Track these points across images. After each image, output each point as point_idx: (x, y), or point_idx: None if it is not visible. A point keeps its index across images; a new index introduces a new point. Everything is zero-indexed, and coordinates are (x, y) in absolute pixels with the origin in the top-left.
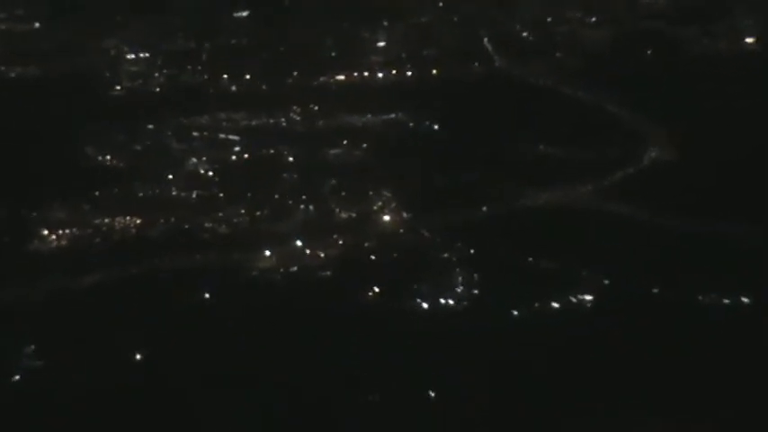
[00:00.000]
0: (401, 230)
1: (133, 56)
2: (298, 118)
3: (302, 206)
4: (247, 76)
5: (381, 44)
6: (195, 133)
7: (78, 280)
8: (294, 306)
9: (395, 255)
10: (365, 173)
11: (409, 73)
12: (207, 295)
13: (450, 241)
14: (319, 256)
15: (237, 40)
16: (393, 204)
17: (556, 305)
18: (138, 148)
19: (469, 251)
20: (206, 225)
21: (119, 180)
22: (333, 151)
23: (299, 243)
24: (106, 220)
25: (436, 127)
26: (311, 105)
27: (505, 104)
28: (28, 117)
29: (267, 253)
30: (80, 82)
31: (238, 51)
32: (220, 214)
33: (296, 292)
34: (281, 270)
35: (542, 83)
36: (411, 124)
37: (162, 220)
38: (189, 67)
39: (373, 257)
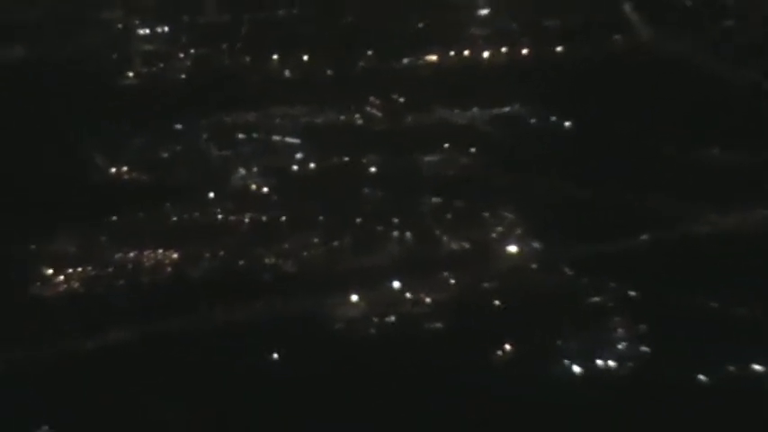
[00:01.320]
0: (532, 266)
1: (148, 31)
2: (378, 113)
3: (395, 233)
4: (305, 58)
5: (484, 12)
6: (240, 135)
7: (97, 336)
8: (393, 371)
9: (527, 299)
10: (476, 187)
11: (525, 50)
12: (274, 356)
13: (601, 280)
14: (424, 302)
15: (287, 11)
16: (518, 230)
17: (758, 368)
18: (165, 155)
19: (628, 293)
20: (266, 260)
21: (142, 200)
22: (429, 158)
23: (395, 284)
24: (130, 255)
25: (567, 124)
26: (395, 96)
27: (658, 92)
28: (13, 116)
29: (353, 298)
30: (79, 67)
31: (290, 24)
32: (285, 245)
33: (395, 351)
34: (374, 321)
35: (706, 63)
36: (532, 120)
37: (206, 255)
38: (224, 45)
39: (498, 303)
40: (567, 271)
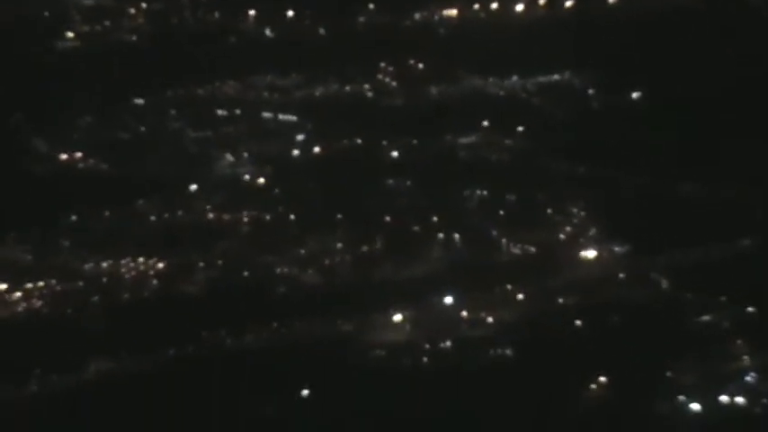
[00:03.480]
0: (619, 275)
1: None
2: (392, 83)
3: (439, 235)
4: (289, 13)
5: None
6: (220, 111)
7: (70, 371)
8: (452, 412)
9: (616, 319)
10: (530, 176)
11: (570, 2)
12: (303, 392)
13: (708, 294)
14: (486, 322)
15: None
16: (592, 230)
17: None
18: (125, 137)
19: (746, 309)
20: (278, 270)
21: (105, 194)
22: (464, 139)
23: (447, 300)
24: (104, 265)
25: (636, 95)
26: (410, 61)
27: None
28: None
29: (396, 318)
30: (5, 28)
31: None
32: (301, 251)
33: (452, 385)
34: (425, 347)
35: None
36: (590, 90)
37: (200, 264)
38: None
39: (580, 323)
40: (663, 282)
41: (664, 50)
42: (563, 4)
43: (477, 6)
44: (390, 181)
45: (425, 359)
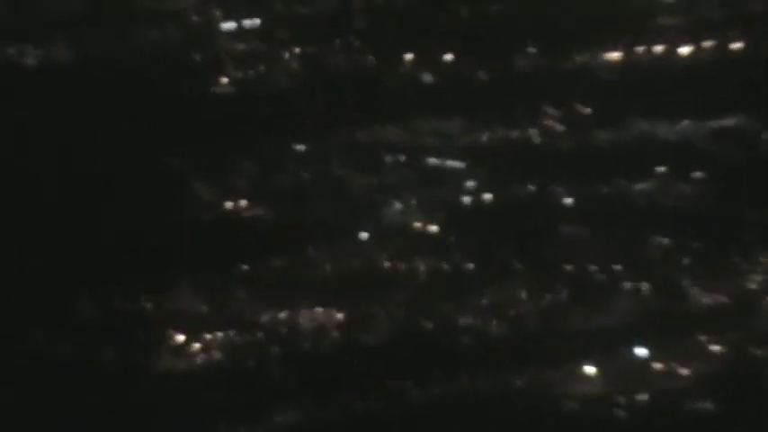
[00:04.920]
0: None
1: (234, 24)
2: (559, 128)
3: (626, 284)
4: (446, 57)
5: None
6: (387, 157)
7: (256, 420)
8: None
9: None
10: (712, 223)
11: (737, 44)
12: None
13: None
14: (681, 375)
15: None
16: None
17: None
18: (290, 184)
19: None
20: (461, 321)
21: (275, 242)
22: (640, 186)
23: (639, 351)
24: (281, 315)
25: None
26: (575, 104)
27: None
28: (74, 135)
29: (588, 369)
30: (151, 72)
31: (419, 13)
32: (483, 301)
33: None
34: (620, 400)
35: None
36: (765, 135)
37: (380, 314)
38: (337, 41)
39: None
40: None
41: None
42: (729, 46)
43: (640, 50)
44: (566, 228)
45: (621, 413)
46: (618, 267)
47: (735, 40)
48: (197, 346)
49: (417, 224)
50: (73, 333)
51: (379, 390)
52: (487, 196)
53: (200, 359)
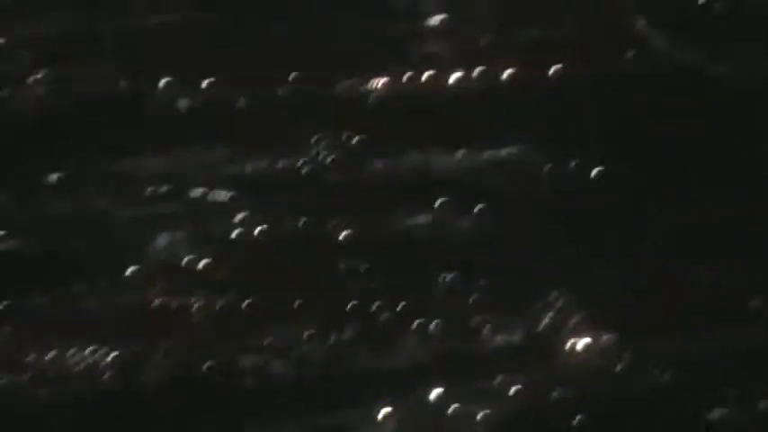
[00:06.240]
0: (616, 366)
1: None
2: (329, 158)
3: (414, 322)
4: (204, 82)
5: (438, 20)
6: (149, 188)
7: None
8: None
9: (618, 414)
10: (499, 258)
11: (507, 72)
12: None
13: (717, 387)
14: (477, 418)
15: (164, 15)
16: (575, 317)
17: None
18: (48, 215)
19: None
20: (242, 361)
21: (34, 277)
22: (418, 219)
23: (433, 393)
24: (49, 356)
25: (596, 171)
26: (344, 133)
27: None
28: None
29: (383, 413)
30: None
31: (172, 35)
32: (266, 341)
33: None
34: None
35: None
36: (547, 166)
37: (156, 354)
38: (86, 63)
39: (581, 418)
40: (659, 373)
41: (613, 119)
42: (498, 73)
43: (406, 77)
44: (343, 264)
45: None
46: (403, 305)
47: (502, 67)
48: None
49: (186, 259)
50: None
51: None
52: (258, 229)
53: None
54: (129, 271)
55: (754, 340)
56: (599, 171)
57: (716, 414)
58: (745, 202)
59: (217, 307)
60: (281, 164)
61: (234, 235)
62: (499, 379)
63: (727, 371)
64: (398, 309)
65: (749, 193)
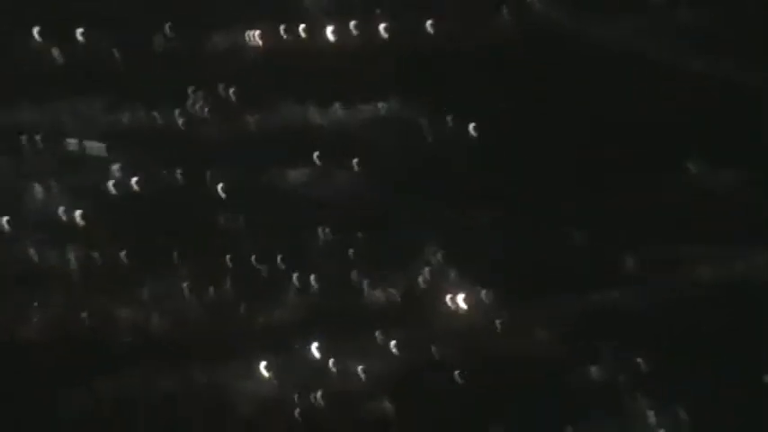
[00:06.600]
0: (495, 323)
1: None
2: (203, 112)
3: (292, 278)
4: (77, 33)
5: None
6: (22, 139)
7: None
8: None
9: (497, 372)
10: (374, 213)
11: (382, 26)
12: None
13: (595, 344)
14: (358, 375)
15: None
16: (452, 274)
17: None
18: None
19: (636, 361)
20: (119, 314)
21: None
22: (295, 173)
23: (314, 349)
24: None
25: (472, 127)
26: (220, 87)
27: (589, 82)
28: None
29: (262, 368)
30: None
31: None
32: (142, 295)
33: None
34: (296, 400)
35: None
36: (422, 122)
37: (34, 308)
38: None
39: (458, 375)
40: (540, 332)
41: (487, 82)
42: (376, 29)
43: (282, 30)
44: (223, 218)
45: (297, 413)
46: (282, 260)
47: (380, 22)
48: None
49: (62, 211)
50: None
51: (37, 388)
52: (134, 181)
53: None
54: (2, 224)
55: (629, 299)
56: (474, 127)
57: (593, 371)
58: (618, 161)
59: (93, 260)
60: (157, 116)
61: (110, 187)
62: (378, 334)
63: (603, 328)
64: (277, 263)
65: (624, 152)
